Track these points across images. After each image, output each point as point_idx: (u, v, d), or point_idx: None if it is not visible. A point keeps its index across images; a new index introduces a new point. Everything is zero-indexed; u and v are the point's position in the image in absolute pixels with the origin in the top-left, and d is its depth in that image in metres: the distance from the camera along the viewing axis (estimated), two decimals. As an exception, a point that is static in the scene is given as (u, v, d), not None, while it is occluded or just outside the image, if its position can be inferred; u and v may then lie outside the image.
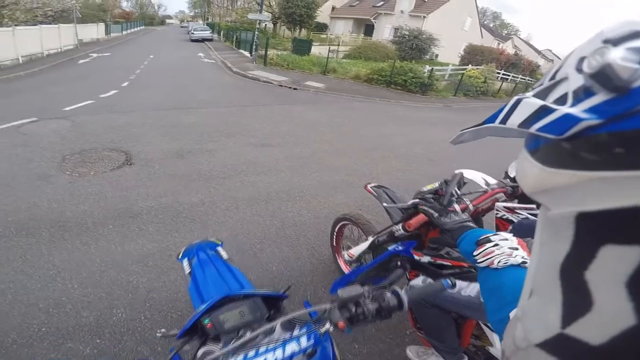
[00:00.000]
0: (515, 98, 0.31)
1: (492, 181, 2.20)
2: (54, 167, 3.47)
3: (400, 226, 1.27)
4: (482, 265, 0.70)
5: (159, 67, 11.51)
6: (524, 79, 20.09)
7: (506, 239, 0.75)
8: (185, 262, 1.23)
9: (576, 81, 0.25)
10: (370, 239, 1.48)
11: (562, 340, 0.27)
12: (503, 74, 18.24)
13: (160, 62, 12.86)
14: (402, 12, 24.26)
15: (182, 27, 50.41)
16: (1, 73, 8.64)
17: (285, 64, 12.85)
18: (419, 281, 1.33)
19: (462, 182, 1.25)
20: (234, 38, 20.78)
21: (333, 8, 32.10)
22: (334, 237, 2.32)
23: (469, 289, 1.23)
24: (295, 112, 7.15)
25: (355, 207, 3.35)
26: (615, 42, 0.22)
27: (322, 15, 27.30)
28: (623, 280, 0.22)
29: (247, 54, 16.03)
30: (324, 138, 5.55)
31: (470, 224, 0.94)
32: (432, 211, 1.05)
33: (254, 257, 2.44)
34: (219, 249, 1.29)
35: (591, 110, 0.23)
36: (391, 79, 12.11)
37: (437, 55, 22.01)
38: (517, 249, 0.72)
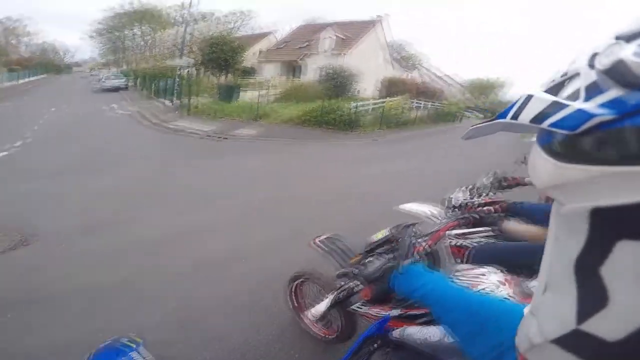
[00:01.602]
0: (526, 94, 0.30)
1: (437, 212, 2.19)
2: None
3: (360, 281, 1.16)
4: (464, 283, 0.69)
5: (62, 122, 10.20)
6: (434, 105, 22.72)
7: (495, 272, 0.78)
8: None
9: (588, 77, 0.25)
10: (331, 296, 1.35)
11: (578, 336, 0.27)
12: (416, 103, 20.37)
13: (64, 115, 11.46)
14: (325, 51, 25.73)
15: (92, 75, 46.35)
16: None
17: (211, 112, 12.47)
18: (415, 330, 1.23)
19: (417, 230, 1.21)
20: (153, 86, 19.78)
21: (260, 52, 33.04)
22: (293, 297, 2.17)
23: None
24: (228, 164, 6.81)
25: (310, 259, 3.10)
26: (628, 38, 0.23)
27: (249, 59, 27.81)
28: (639, 275, 0.22)
29: (168, 103, 15.25)
30: (263, 189, 5.30)
31: (392, 262, 0.90)
32: (351, 277, 0.98)
33: (203, 333, 2.17)
34: (134, 355, 0.98)
35: (605, 105, 0.23)
36: (322, 119, 12.54)
37: (359, 91, 23.79)
38: (504, 284, 0.75)
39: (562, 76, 0.29)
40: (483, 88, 57.74)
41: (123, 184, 4.99)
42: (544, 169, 0.29)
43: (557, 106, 0.26)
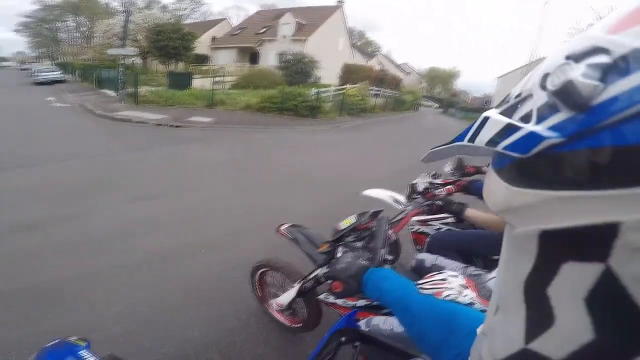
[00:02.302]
0: (483, 115, 0.30)
1: (401, 198, 2.13)
2: None
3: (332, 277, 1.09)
4: (426, 292, 0.69)
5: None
6: (392, 93, 23.13)
7: (456, 276, 0.77)
8: None
9: (540, 98, 0.25)
10: (297, 285, 1.32)
11: (526, 356, 0.27)
12: (375, 91, 20.57)
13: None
14: (284, 37, 24.92)
15: (22, 69, 41.75)
16: None
17: (161, 100, 11.57)
18: (380, 320, 1.21)
19: (389, 219, 1.19)
20: (94, 77, 18.13)
21: (213, 38, 31.36)
22: (257, 287, 2.08)
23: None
24: (183, 153, 6.35)
25: (273, 250, 2.91)
26: (577, 58, 0.22)
27: (201, 46, 26.20)
28: (582, 296, 0.23)
29: (112, 93, 13.99)
30: (222, 178, 4.97)
31: (364, 262, 0.86)
32: (318, 274, 0.96)
33: (165, 326, 2.04)
34: (83, 353, 0.91)
35: (554, 128, 0.22)
36: (283, 105, 12.21)
37: (319, 78, 23.46)
38: (467, 287, 0.76)
39: (516, 97, 0.28)
40: (439, 78, 60.04)
41: (65, 177, 4.42)
42: (497, 193, 0.28)
43: (510, 128, 0.25)
